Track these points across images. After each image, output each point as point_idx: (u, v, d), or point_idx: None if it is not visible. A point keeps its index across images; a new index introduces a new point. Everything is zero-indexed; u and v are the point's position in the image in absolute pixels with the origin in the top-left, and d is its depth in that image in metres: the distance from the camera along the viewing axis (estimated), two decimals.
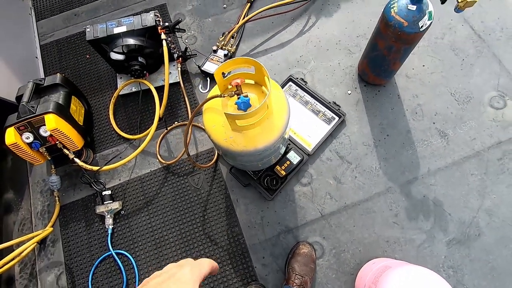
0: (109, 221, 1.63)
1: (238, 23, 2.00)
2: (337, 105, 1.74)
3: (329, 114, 1.74)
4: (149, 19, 1.67)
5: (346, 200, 1.59)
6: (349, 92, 1.80)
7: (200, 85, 1.93)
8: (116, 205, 1.66)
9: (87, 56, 2.11)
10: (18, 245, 1.61)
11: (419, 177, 1.60)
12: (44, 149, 1.58)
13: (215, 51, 1.94)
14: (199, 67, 1.91)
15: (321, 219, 1.58)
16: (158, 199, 1.69)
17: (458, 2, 1.16)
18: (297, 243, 1.50)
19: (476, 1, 1.12)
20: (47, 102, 1.58)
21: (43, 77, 2.05)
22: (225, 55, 1.91)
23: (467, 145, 1.64)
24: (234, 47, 1.97)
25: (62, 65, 2.10)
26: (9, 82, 1.79)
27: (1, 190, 1.76)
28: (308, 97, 1.79)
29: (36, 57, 2.13)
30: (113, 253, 1.57)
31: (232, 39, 1.97)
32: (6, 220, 1.72)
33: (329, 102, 1.74)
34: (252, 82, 1.26)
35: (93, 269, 1.57)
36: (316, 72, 1.87)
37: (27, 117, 1.50)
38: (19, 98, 1.67)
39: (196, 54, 1.95)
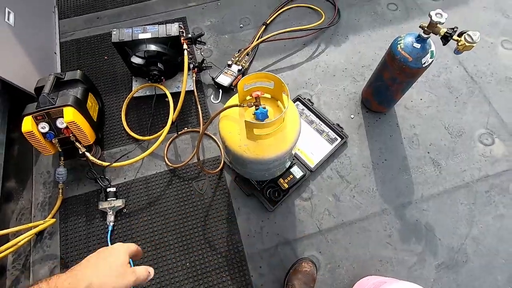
0: (110, 218, 1.65)
1: (253, 43, 2.14)
2: (340, 127, 1.85)
3: (332, 134, 1.84)
4: (173, 29, 1.79)
5: (344, 217, 1.66)
6: (352, 116, 1.92)
7: (212, 96, 2.03)
8: (119, 203, 1.68)
9: (105, 57, 2.20)
10: (14, 234, 1.61)
11: (413, 201, 1.69)
12: (57, 141, 1.61)
13: (229, 66, 2.05)
14: (213, 78, 2.01)
15: (318, 233, 1.63)
16: (161, 201, 1.72)
17: (458, 45, 1.31)
18: (300, 259, 1.54)
19: (473, 46, 1.27)
20: (66, 95, 1.64)
21: (60, 72, 2.13)
22: (238, 70, 2.03)
23: (458, 176, 1.76)
24: (248, 63, 2.10)
25: (80, 63, 2.17)
26: (27, 73, 1.84)
27: (4, 177, 1.76)
28: (313, 117, 1.90)
29: (55, 53, 2.20)
30: None
31: (246, 56, 2.09)
32: (5, 208, 1.71)
33: (333, 124, 1.86)
34: (269, 96, 1.36)
35: None
36: (322, 94, 2.00)
37: (46, 107, 1.54)
38: (38, 89, 1.72)
39: (211, 67, 2.06)
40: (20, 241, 1.48)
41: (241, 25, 2.29)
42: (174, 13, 2.38)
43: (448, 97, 1.98)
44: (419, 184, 1.73)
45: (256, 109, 1.22)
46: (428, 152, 1.82)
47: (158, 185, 1.76)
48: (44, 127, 1.57)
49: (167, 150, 1.85)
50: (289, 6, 2.34)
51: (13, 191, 1.78)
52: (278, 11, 2.32)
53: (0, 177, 1.71)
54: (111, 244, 1.60)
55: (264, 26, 2.24)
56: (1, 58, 1.68)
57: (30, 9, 2.09)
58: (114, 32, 1.79)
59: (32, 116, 1.55)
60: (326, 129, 1.86)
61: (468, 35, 1.28)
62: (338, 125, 1.86)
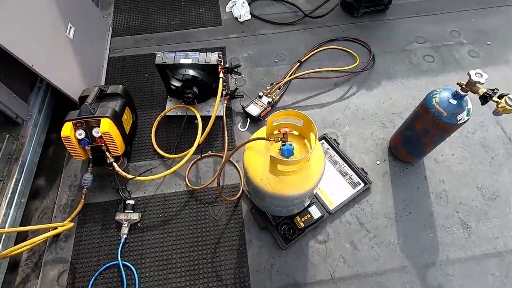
0: (125, 230, 1.67)
1: (286, 78, 2.20)
2: (365, 172, 1.81)
3: (356, 178, 1.80)
4: (213, 58, 1.89)
5: (359, 268, 1.57)
6: (378, 162, 1.88)
7: (240, 124, 2.08)
8: (135, 216, 1.70)
9: (146, 75, 2.35)
10: (33, 232, 1.66)
11: (437, 263, 1.57)
12: (89, 148, 1.70)
13: (260, 97, 2.11)
14: (243, 107, 2.07)
15: (330, 281, 1.55)
16: (175, 220, 1.73)
17: (497, 107, 1.27)
18: None
19: None
20: (105, 107, 1.75)
21: (103, 84, 2.29)
22: (268, 102, 2.08)
23: (489, 242, 1.63)
24: (278, 97, 2.15)
25: (122, 78, 2.33)
26: (75, 82, 1.99)
27: (36, 175, 1.85)
28: (337, 158, 1.88)
29: (102, 66, 2.38)
30: (120, 263, 1.58)
31: (278, 90, 2.15)
32: (30, 204, 1.79)
33: (357, 168, 1.82)
34: (296, 133, 1.37)
35: (96, 274, 1.57)
36: (349, 136, 1.99)
37: (87, 116, 1.65)
38: (82, 98, 1.86)
39: (243, 96, 2.13)
40: (36, 241, 1.52)
41: (276, 60, 2.39)
42: (215, 42, 2.53)
43: (482, 156, 1.89)
44: (445, 245, 1.62)
45: (283, 145, 1.23)
46: (457, 212, 1.72)
47: (175, 204, 1.78)
48: (81, 134, 1.66)
49: (189, 171, 1.88)
50: (325, 47, 2.42)
51: (41, 189, 1.87)
52: (314, 50, 2.40)
53: (32, 174, 1.81)
54: (121, 257, 1.60)
55: (298, 63, 2.32)
56: (56, 66, 1.85)
57: (88, 25, 2.31)
58: (159, 55, 1.92)
59: (73, 123, 1.65)
60: (350, 172, 1.82)
61: (510, 98, 1.25)
62: (363, 169, 1.82)
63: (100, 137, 1.66)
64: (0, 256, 1.44)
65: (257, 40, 2.52)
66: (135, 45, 2.53)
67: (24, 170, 1.74)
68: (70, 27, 2.05)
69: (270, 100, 2.08)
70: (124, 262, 1.60)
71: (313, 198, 1.72)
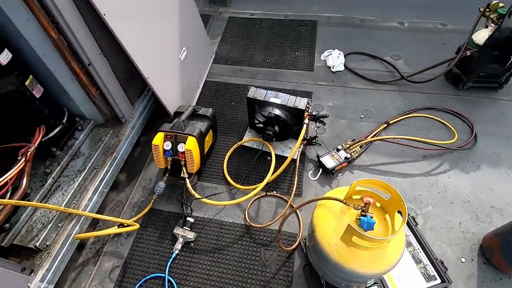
0: (178, 245, 1.71)
1: (369, 137, 2.11)
2: (445, 267, 1.55)
3: (431, 271, 1.55)
4: (301, 103, 1.92)
5: None
6: (463, 260, 1.60)
7: (311, 172, 2.03)
8: (191, 235, 1.74)
9: (233, 103, 2.51)
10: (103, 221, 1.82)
11: None
12: (171, 159, 1.84)
13: (338, 150, 2.05)
14: (318, 156, 2.02)
15: None
16: (226, 251, 1.71)
17: None
18: None
19: None
20: (194, 126, 1.89)
21: (195, 103, 2.52)
22: (346, 158, 1.99)
23: None
24: (357, 155, 2.05)
25: (212, 101, 2.53)
26: (173, 97, 2.22)
27: (120, 170, 2.07)
28: (413, 239, 1.66)
29: (198, 87, 2.64)
30: (166, 278, 1.61)
31: (359, 148, 2.06)
32: (108, 195, 1.98)
33: (436, 259, 1.57)
34: (378, 204, 1.26)
35: (142, 281, 1.62)
36: (431, 219, 1.76)
37: (178, 131, 1.81)
38: (176, 113, 2.06)
39: (320, 144, 2.09)
40: (105, 233, 1.67)
41: (362, 116, 2.31)
42: (304, 85, 2.59)
43: None
44: None
45: (362, 215, 1.13)
46: None
47: (229, 235, 1.78)
48: (168, 145, 1.82)
49: (250, 205, 1.88)
50: (419, 114, 2.26)
51: (120, 184, 2.07)
52: (405, 115, 2.27)
53: (119, 169, 2.02)
54: (168, 271, 1.64)
55: (385, 125, 2.20)
56: (164, 82, 2.10)
57: (197, 51, 2.61)
58: (252, 89, 2.04)
59: (164, 134, 1.83)
60: (426, 260, 1.58)
61: None
62: (442, 263, 1.56)
63: (183, 152, 1.79)
64: (75, 237, 1.61)
65: (345, 92, 2.50)
66: (230, 74, 2.75)
67: (115, 164, 1.95)
68: (184, 51, 2.34)
69: (348, 156, 2.00)
70: (169, 278, 1.62)
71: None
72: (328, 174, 1.99)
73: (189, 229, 1.77)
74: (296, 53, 2.87)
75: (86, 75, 1.77)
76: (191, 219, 1.80)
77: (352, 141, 2.09)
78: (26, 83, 1.60)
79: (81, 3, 1.57)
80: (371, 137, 2.11)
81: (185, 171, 1.83)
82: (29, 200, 1.59)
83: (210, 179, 2.04)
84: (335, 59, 2.68)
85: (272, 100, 1.98)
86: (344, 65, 2.67)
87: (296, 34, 3.07)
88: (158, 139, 1.81)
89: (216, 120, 2.14)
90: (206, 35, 2.83)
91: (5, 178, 1.47)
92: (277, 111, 1.96)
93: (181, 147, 1.80)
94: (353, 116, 2.32)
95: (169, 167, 1.88)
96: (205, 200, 1.77)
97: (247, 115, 2.19)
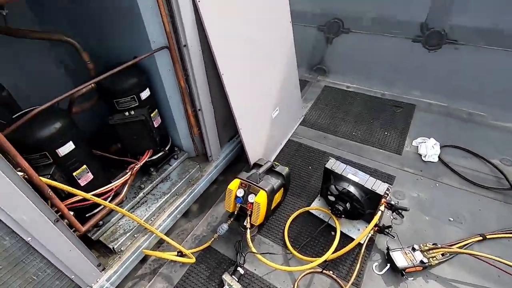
0: None
1: (456, 246, 1.83)
2: None
3: None
4: (380, 188, 1.84)
5: None
6: None
7: (377, 264, 1.85)
8: (238, 287, 1.75)
9: (309, 167, 2.56)
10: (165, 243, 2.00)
11: None
12: (239, 206, 1.96)
13: (413, 249, 1.83)
14: (388, 249, 1.84)
15: None
16: None
17: None
18: None
19: None
20: (267, 182, 2.00)
21: (274, 158, 2.67)
22: (421, 262, 1.75)
23: None
24: (437, 262, 1.78)
25: (290, 160, 2.64)
26: (257, 148, 2.41)
27: (196, 200, 2.29)
28: None
29: (281, 144, 2.80)
30: None
31: (440, 255, 1.80)
32: (178, 220, 2.19)
33: None
34: None
35: None
36: None
37: (252, 182, 1.94)
38: (255, 164, 2.22)
39: (394, 237, 1.91)
40: (165, 256, 1.83)
41: (451, 219, 2.04)
42: (387, 168, 2.48)
43: None
44: None
45: None
46: None
47: None
48: (241, 192, 1.96)
49: (301, 277, 1.80)
50: None
51: (190, 213, 2.28)
52: (508, 232, 1.90)
53: (193, 200, 2.25)
54: None
55: (481, 238, 1.88)
56: (253, 133, 2.33)
57: (289, 111, 2.82)
58: (331, 161, 2.07)
59: (240, 181, 1.98)
60: None
61: None
62: None
63: (252, 203, 1.89)
64: (143, 251, 1.81)
65: (435, 186, 2.28)
66: (314, 139, 2.85)
67: (192, 195, 2.19)
68: (277, 110, 2.57)
69: (425, 260, 1.76)
70: None
71: None
72: (397, 273, 1.77)
73: (237, 279, 1.79)
74: (386, 133, 2.81)
75: (194, 117, 2.12)
76: (241, 270, 1.83)
77: (433, 244, 1.84)
78: (152, 115, 2.02)
79: (209, 63, 1.96)
80: (459, 247, 1.82)
81: (248, 221, 1.91)
82: (121, 207, 1.91)
83: (269, 236, 2.06)
84: (429, 149, 2.52)
85: (350, 176, 1.95)
86: (439, 157, 2.47)
87: (389, 114, 3.04)
88: (234, 185, 1.97)
89: (290, 180, 2.21)
90: (300, 99, 3.06)
91: (112, 185, 1.82)
92: (352, 189, 1.92)
93: (251, 198, 1.91)
94: (439, 215, 2.07)
95: (235, 212, 1.99)
96: (259, 256, 1.78)
97: (321, 183, 2.20)
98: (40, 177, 1.33)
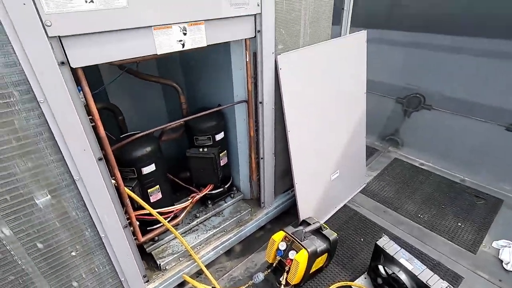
0: None
1: None
2: None
3: None
4: (437, 286, 1.63)
5: None
6: None
7: None
8: None
9: (361, 239, 2.42)
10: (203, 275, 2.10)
11: None
12: (279, 258, 1.97)
13: None
14: None
15: None
16: None
17: None
18: None
19: None
20: (312, 242, 1.98)
21: (326, 219, 2.61)
22: None
23: None
24: None
25: (341, 227, 2.54)
26: (311, 205, 2.42)
27: (240, 241, 2.39)
28: None
29: (335, 207, 2.74)
30: None
31: None
32: (219, 256, 2.30)
33: None
34: None
35: None
36: None
37: (296, 239, 1.95)
38: (304, 221, 2.23)
39: None
40: (200, 286, 1.93)
41: None
42: (454, 264, 2.16)
43: None
44: None
45: None
46: None
47: None
48: (283, 246, 1.98)
49: None
50: None
51: (232, 252, 2.37)
52: None
53: (238, 241, 2.34)
54: None
55: None
56: (308, 191, 2.37)
57: (350, 176, 2.78)
58: (384, 238, 1.94)
59: (285, 234, 2.02)
60: None
61: None
62: None
63: (291, 260, 1.89)
64: (183, 276, 1.96)
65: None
66: (372, 210, 2.71)
67: (239, 235, 2.30)
68: (337, 172, 2.59)
69: None
70: None
71: None
72: None
73: None
74: (459, 224, 2.49)
75: (256, 164, 2.32)
76: None
77: None
78: (220, 155, 2.30)
79: (278, 119, 2.18)
80: None
81: (285, 277, 1.89)
82: (176, 229, 2.13)
83: None
84: None
85: (402, 261, 1.79)
86: None
87: (467, 203, 2.70)
88: (278, 236, 2.01)
89: (336, 247, 2.13)
90: (364, 166, 3.00)
91: (174, 208, 2.08)
92: (403, 276, 1.75)
93: (292, 254, 1.91)
94: None
95: (274, 265, 2.00)
96: None
97: (370, 259, 2.05)
98: (125, 187, 1.66)
